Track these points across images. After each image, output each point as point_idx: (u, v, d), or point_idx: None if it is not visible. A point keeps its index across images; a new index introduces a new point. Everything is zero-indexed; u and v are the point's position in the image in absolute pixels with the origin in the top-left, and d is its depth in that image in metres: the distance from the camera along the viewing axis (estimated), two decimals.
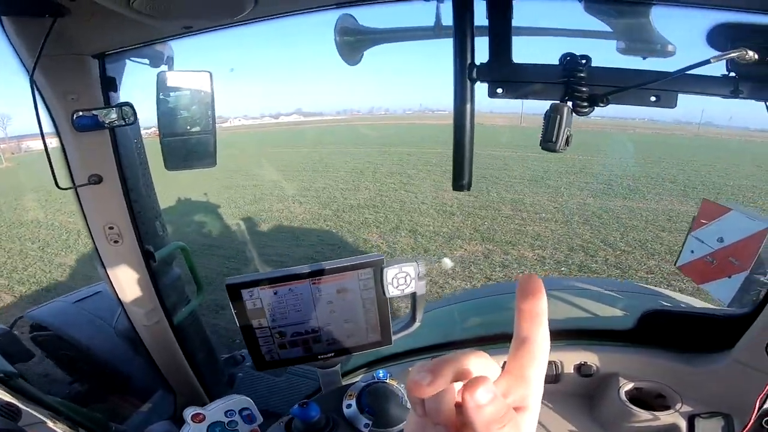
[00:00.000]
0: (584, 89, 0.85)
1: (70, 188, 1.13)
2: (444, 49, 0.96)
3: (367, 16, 1.17)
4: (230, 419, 0.76)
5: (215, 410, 0.73)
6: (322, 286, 1.00)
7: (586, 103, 0.86)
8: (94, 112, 1.11)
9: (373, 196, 9.72)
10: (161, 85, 1.30)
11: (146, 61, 1.48)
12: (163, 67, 1.51)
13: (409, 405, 0.34)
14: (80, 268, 6.25)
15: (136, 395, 2.01)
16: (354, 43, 1.26)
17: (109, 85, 1.19)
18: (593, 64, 0.86)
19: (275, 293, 0.98)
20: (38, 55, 0.98)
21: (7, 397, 1.14)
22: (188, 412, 0.70)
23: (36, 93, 1.04)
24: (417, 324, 1.17)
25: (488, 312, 1.72)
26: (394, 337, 1.16)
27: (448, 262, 5.49)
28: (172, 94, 1.32)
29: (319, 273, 0.99)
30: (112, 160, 1.16)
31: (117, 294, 1.31)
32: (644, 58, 0.96)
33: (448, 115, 0.99)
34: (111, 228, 1.19)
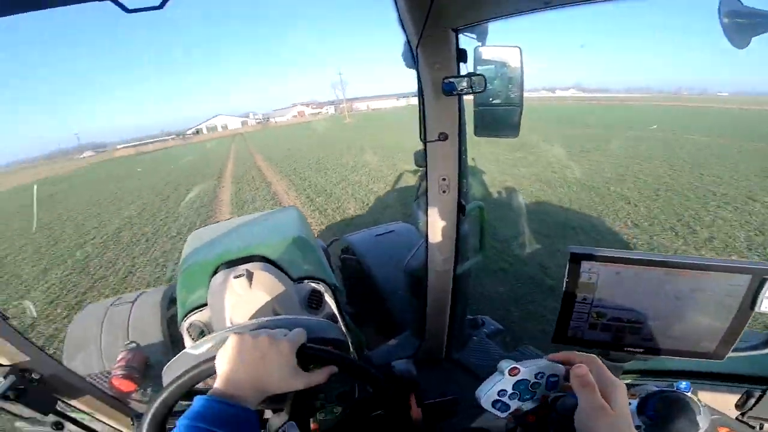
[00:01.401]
0: None
1: (423, 141, 1.35)
2: None
3: None
4: (535, 381, 0.76)
5: (529, 369, 0.74)
6: (677, 279, 0.90)
7: None
8: (452, 80, 1.28)
9: None
10: (478, 59, 1.39)
11: (474, 35, 1.61)
12: (477, 42, 1.62)
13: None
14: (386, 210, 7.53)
15: (390, 330, 2.31)
16: (744, 25, 1.08)
17: (461, 56, 1.33)
18: None
19: (617, 273, 0.93)
20: (423, 27, 1.16)
21: (330, 308, 1.48)
22: (506, 365, 0.72)
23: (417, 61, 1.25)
24: None
25: None
26: (731, 354, 0.97)
27: None
28: (486, 67, 1.41)
29: (682, 266, 0.88)
30: (456, 121, 1.32)
31: (429, 237, 1.54)
32: None
33: None
34: (443, 180, 1.39)
